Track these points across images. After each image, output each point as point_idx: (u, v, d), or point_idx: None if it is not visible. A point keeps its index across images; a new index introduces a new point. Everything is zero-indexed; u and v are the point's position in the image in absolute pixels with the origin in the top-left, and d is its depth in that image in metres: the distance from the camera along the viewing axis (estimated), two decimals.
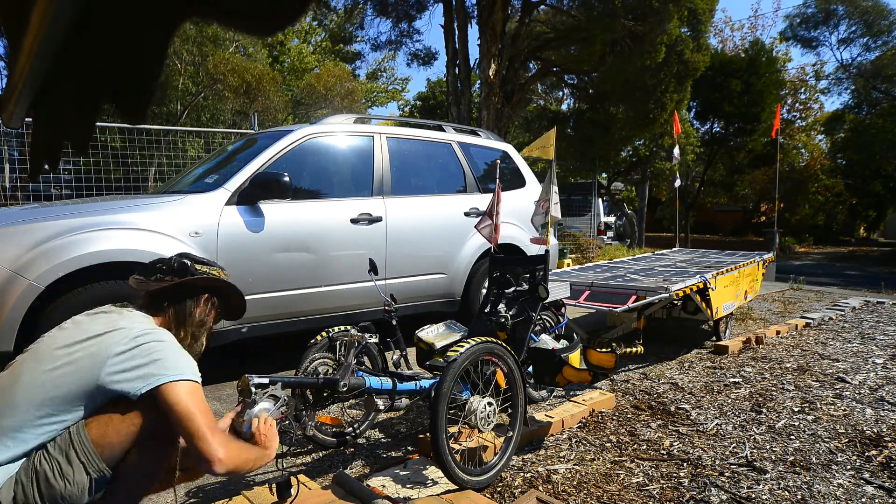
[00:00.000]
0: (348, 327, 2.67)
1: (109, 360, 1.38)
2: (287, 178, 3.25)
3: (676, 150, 8.88)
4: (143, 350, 1.41)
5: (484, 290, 3.31)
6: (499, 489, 2.22)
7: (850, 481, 2.30)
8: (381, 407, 2.21)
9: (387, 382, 2.23)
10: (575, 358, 2.61)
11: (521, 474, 2.34)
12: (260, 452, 1.55)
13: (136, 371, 1.38)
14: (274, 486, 1.88)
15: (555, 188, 3.24)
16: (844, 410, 3.12)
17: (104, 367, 1.38)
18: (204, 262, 1.75)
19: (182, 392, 1.38)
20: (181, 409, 1.37)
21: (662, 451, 2.58)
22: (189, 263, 1.69)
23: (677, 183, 9.41)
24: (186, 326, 1.65)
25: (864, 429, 2.84)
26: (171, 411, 1.37)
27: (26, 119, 0.45)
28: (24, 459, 1.34)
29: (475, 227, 3.34)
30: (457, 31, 11.16)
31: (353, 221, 3.72)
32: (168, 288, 1.63)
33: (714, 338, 4.69)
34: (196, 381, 1.44)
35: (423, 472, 2.29)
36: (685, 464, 2.44)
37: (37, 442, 1.35)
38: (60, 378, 1.37)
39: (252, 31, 0.32)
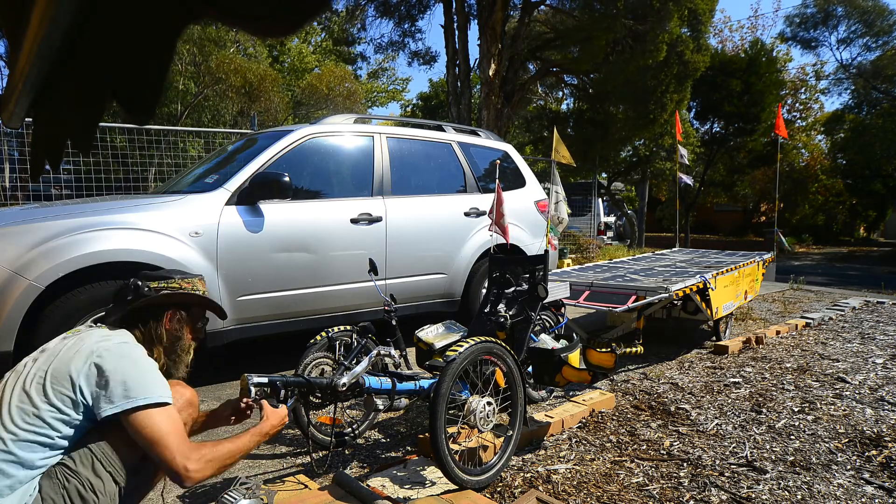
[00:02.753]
0: (348, 327, 2.67)
1: (74, 376, 1.36)
2: (287, 178, 3.25)
3: (684, 151, 8.86)
4: (106, 369, 1.37)
5: (484, 290, 3.31)
6: (499, 489, 2.22)
7: (850, 481, 2.30)
8: (381, 407, 2.21)
9: (386, 382, 2.23)
10: (574, 358, 2.61)
11: (521, 474, 2.34)
12: (233, 447, 1.49)
13: (103, 390, 1.35)
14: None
15: (556, 188, 3.24)
16: (844, 410, 3.12)
17: (74, 384, 1.35)
18: (159, 277, 1.66)
19: (148, 417, 1.35)
20: (149, 435, 1.34)
21: (662, 451, 2.58)
22: (139, 284, 1.61)
23: (689, 180, 9.26)
24: (158, 347, 1.59)
25: (864, 429, 2.84)
26: (138, 436, 1.34)
27: (26, 119, 0.45)
28: (36, 479, 1.31)
29: (489, 229, 3.33)
30: (457, 32, 11.16)
31: (353, 221, 3.72)
32: (126, 315, 1.58)
33: (714, 338, 4.69)
34: (165, 401, 1.40)
35: (423, 472, 2.30)
36: (685, 464, 2.44)
37: (39, 460, 1.31)
38: (45, 398, 1.34)
39: (262, 33, 0.32)
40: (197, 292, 1.70)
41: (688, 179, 9.32)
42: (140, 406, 1.35)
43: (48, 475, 1.32)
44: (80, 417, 1.36)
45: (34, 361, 1.43)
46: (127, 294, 1.61)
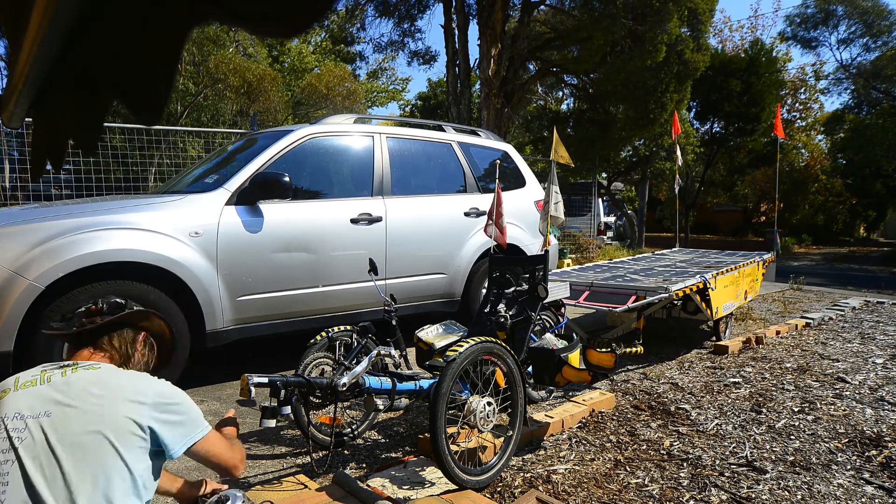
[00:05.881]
0: (348, 327, 2.67)
1: (139, 421, 1.32)
2: (287, 178, 3.25)
3: (679, 152, 8.89)
4: (170, 407, 1.40)
5: (484, 290, 3.31)
6: (499, 489, 2.22)
7: (850, 481, 2.30)
8: (381, 407, 2.21)
9: (386, 382, 2.24)
10: (574, 358, 2.61)
11: (521, 474, 2.34)
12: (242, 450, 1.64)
13: (174, 428, 1.39)
14: None
15: (555, 188, 3.25)
16: (844, 410, 3.12)
17: (143, 428, 1.33)
18: (129, 306, 1.63)
19: (209, 442, 1.48)
20: (214, 456, 1.50)
21: (662, 451, 2.58)
22: (124, 301, 1.58)
23: (677, 186, 9.38)
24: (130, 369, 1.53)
25: (864, 429, 2.84)
26: (206, 459, 1.49)
27: (26, 119, 0.45)
28: None
29: (484, 230, 3.34)
30: (457, 32, 11.16)
31: (353, 221, 3.72)
32: (102, 327, 1.50)
33: (714, 338, 4.69)
34: (209, 427, 1.51)
35: (423, 472, 2.29)
36: (685, 464, 2.44)
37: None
38: (115, 453, 1.29)
39: (269, 33, 0.32)
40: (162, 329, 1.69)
41: (675, 185, 9.42)
42: (203, 435, 1.45)
43: None
44: (150, 456, 1.38)
45: (45, 428, 1.28)
46: (104, 311, 1.53)
